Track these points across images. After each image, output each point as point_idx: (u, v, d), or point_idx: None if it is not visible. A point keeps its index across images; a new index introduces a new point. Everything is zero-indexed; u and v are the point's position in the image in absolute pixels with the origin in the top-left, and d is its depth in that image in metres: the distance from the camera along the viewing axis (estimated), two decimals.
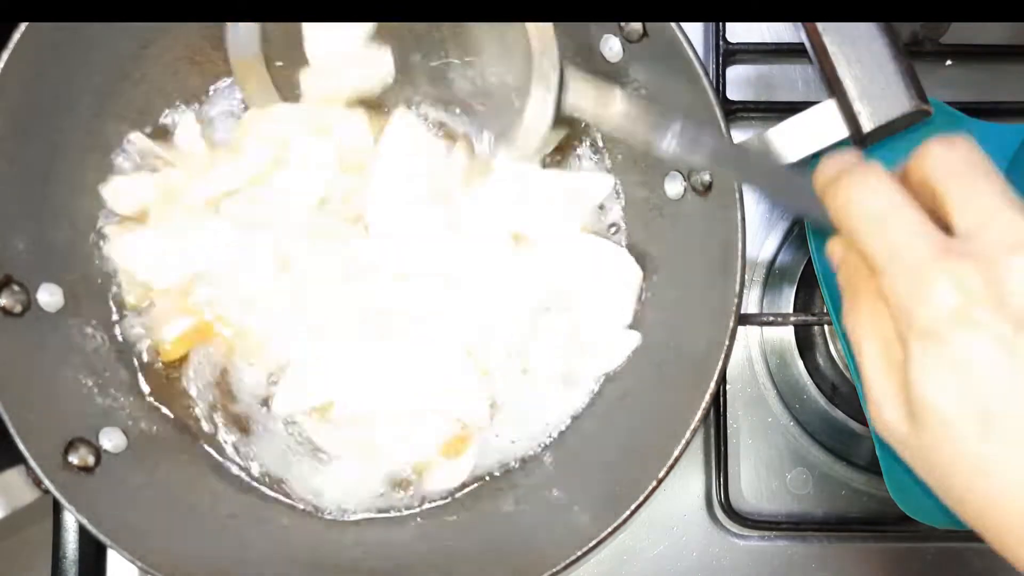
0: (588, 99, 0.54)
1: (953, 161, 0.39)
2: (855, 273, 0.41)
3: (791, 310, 0.69)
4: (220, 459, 0.63)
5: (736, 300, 0.53)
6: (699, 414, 0.53)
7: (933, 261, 0.37)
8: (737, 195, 0.54)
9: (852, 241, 0.39)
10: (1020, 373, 0.36)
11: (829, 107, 0.51)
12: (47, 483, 0.53)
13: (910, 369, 0.38)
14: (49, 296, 0.58)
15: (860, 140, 0.50)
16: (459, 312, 0.61)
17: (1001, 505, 0.37)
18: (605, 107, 0.53)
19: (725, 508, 0.66)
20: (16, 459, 0.53)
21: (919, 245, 0.37)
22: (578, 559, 0.54)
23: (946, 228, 0.38)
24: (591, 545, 0.53)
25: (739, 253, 0.53)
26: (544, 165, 0.63)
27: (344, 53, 0.61)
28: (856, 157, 0.41)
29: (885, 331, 0.39)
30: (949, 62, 0.71)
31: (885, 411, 0.40)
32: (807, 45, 0.51)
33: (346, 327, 0.61)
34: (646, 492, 0.53)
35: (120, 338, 0.62)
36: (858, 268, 0.40)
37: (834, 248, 0.43)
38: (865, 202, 0.39)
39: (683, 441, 0.53)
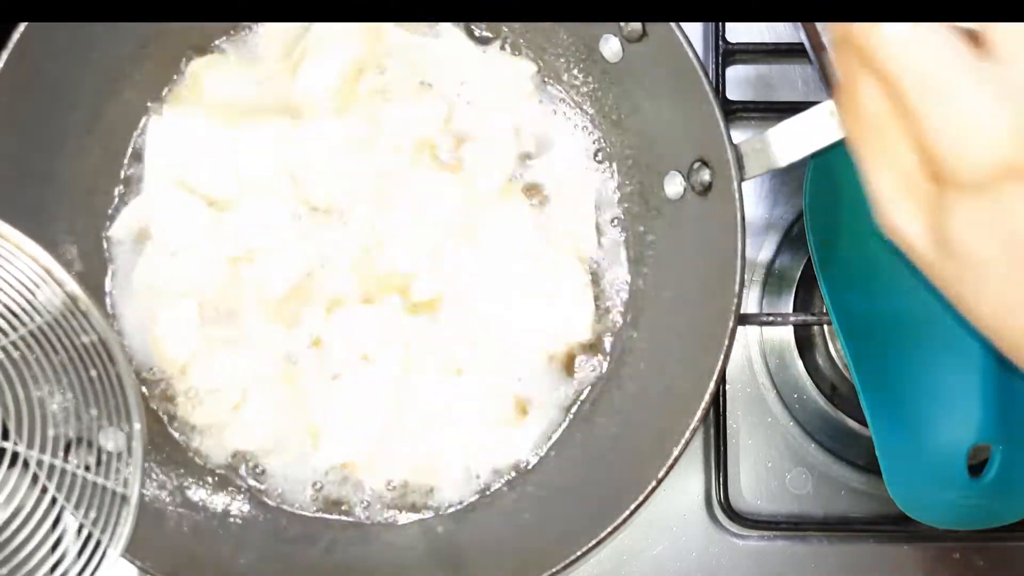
0: None
1: None
2: (872, 102, 0.36)
3: (791, 310, 0.69)
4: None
5: (736, 300, 0.53)
6: (699, 414, 0.53)
7: (976, 96, 0.32)
8: (737, 195, 0.53)
9: (875, 68, 0.35)
10: None
11: (829, 107, 0.51)
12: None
13: (945, 211, 0.35)
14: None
15: None
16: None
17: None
18: None
19: (725, 508, 0.65)
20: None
21: (957, 73, 0.32)
22: (578, 559, 0.54)
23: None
24: (591, 545, 0.53)
25: (739, 253, 0.53)
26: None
27: None
28: None
29: (905, 164, 0.36)
30: None
31: (900, 221, 0.37)
32: (807, 45, 0.51)
33: None
34: (646, 492, 0.53)
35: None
36: (877, 99, 0.36)
37: (846, 68, 0.37)
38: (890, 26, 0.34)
39: (683, 441, 0.53)
